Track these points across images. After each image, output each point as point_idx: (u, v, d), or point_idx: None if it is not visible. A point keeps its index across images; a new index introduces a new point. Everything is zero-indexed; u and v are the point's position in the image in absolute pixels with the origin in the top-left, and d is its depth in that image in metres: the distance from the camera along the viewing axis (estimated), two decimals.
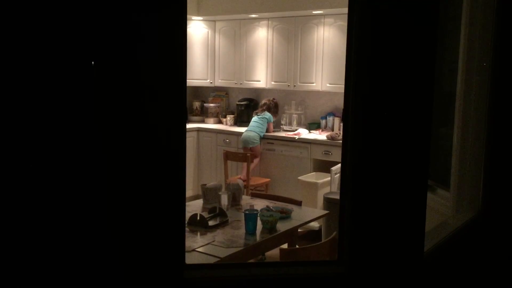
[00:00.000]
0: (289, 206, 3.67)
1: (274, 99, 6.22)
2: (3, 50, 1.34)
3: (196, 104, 7.09)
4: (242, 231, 3.10)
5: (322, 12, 5.64)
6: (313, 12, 5.69)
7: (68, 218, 1.46)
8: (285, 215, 3.41)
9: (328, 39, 5.70)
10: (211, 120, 6.84)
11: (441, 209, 2.71)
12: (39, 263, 1.45)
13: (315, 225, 4.85)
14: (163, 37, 1.51)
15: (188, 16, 6.42)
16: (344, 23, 5.30)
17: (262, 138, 5.94)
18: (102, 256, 1.51)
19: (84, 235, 1.48)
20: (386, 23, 1.69)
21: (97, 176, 1.47)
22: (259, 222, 3.15)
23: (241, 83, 6.52)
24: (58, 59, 1.40)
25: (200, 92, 7.20)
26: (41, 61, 1.39)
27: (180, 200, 1.62)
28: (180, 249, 1.64)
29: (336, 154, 5.30)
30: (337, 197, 3.29)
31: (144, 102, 1.51)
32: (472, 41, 2.55)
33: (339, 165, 2.50)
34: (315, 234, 4.98)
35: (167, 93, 1.54)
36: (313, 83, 5.89)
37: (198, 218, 3.17)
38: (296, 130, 5.99)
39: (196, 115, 7.01)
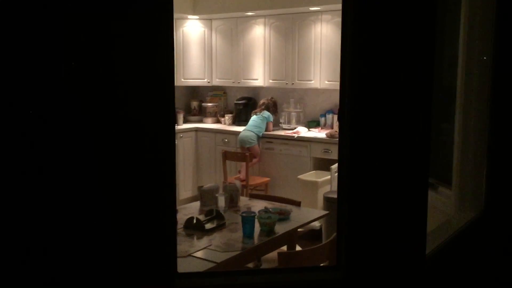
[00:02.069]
0: (288, 207, 3.59)
1: (272, 98, 6.15)
2: None
3: (194, 103, 7.02)
4: (240, 234, 3.03)
5: (319, 8, 5.56)
6: (310, 8, 5.61)
7: (49, 223, 1.39)
8: (284, 216, 3.33)
9: (325, 36, 5.63)
10: (210, 119, 6.77)
11: (443, 208, 2.64)
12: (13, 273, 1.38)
13: (316, 224, 4.78)
14: (148, 36, 1.44)
15: (184, 15, 6.37)
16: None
17: (261, 137, 5.87)
18: (86, 264, 1.45)
19: (68, 243, 1.42)
20: (383, 16, 1.62)
21: (80, 181, 1.41)
22: (257, 225, 3.07)
23: (239, 82, 6.45)
24: (37, 60, 1.33)
25: (198, 91, 7.13)
26: (17, 63, 1.32)
27: (171, 206, 1.55)
28: (171, 257, 1.57)
29: (336, 152, 5.22)
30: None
31: (130, 105, 1.44)
32: (472, 34, 2.48)
33: None
34: (315, 233, 4.92)
35: (154, 95, 1.47)
36: (311, 80, 5.82)
37: (195, 221, 3.10)
38: (295, 128, 5.92)
39: (194, 115, 6.94)
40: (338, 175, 1.80)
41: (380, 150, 1.67)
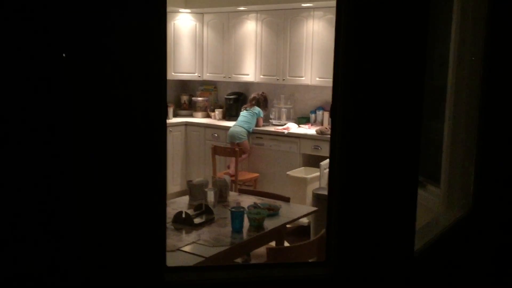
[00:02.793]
0: (277, 202, 3.60)
1: (263, 93, 6.14)
2: None
3: (184, 98, 6.99)
4: (229, 229, 3.02)
5: (311, 5, 5.57)
6: (302, 5, 5.61)
7: (39, 217, 1.38)
8: (273, 212, 3.34)
9: (317, 33, 5.63)
10: (199, 114, 6.75)
11: (431, 206, 2.66)
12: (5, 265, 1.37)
13: (304, 220, 4.80)
14: (141, 28, 1.43)
15: (175, 9, 6.32)
16: (333, 16, 5.22)
17: (251, 133, 5.86)
18: (77, 257, 1.44)
19: (57, 236, 1.40)
20: (376, 15, 1.62)
21: (70, 175, 1.39)
22: (246, 220, 3.07)
23: (229, 77, 6.43)
24: (28, 52, 1.31)
25: (188, 85, 7.10)
26: (10, 55, 1.30)
27: (160, 200, 1.55)
28: (161, 251, 1.57)
29: (326, 149, 5.24)
30: (326, 193, 3.23)
31: (123, 97, 1.43)
32: (463, 34, 2.49)
33: (329, 160, 2.44)
34: (304, 230, 4.93)
35: (146, 87, 1.46)
36: (302, 77, 5.82)
37: (183, 215, 3.09)
38: (285, 124, 5.92)
39: (184, 109, 6.91)
40: (329, 171, 1.81)
41: (371, 148, 1.68)
